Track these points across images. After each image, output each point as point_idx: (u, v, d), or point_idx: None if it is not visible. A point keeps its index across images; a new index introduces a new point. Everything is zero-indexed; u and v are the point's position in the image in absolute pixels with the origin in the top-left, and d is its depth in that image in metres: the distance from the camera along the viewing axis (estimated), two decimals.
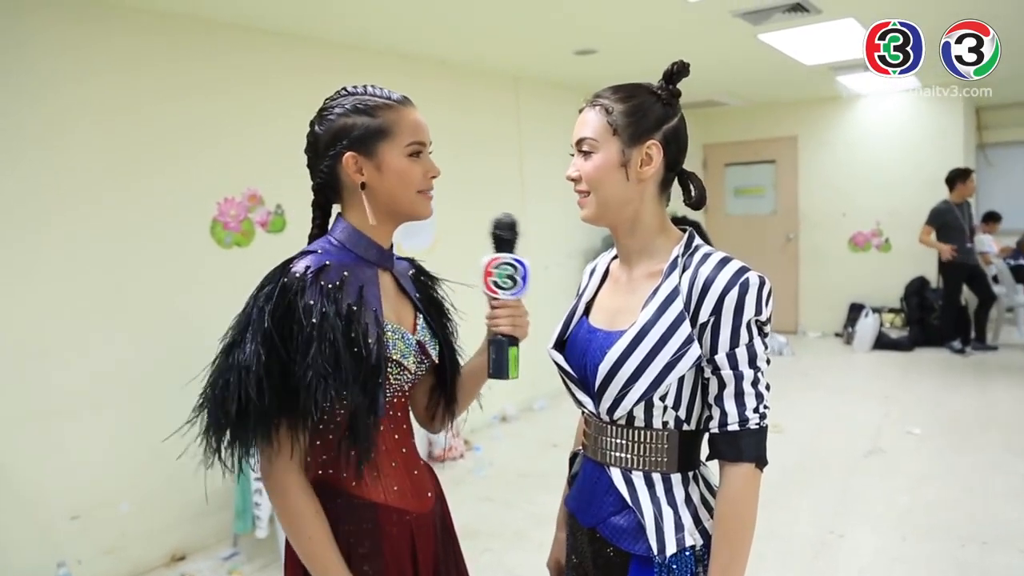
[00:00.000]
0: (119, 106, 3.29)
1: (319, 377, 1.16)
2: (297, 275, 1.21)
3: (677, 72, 1.32)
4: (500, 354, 1.35)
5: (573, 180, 1.33)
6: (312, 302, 1.19)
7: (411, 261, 1.55)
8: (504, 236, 1.37)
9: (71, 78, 3.14)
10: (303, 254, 1.29)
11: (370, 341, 1.23)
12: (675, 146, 1.32)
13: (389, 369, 1.30)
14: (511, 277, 1.35)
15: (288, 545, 1.35)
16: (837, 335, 7.97)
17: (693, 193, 1.39)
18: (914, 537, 3.39)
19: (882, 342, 7.31)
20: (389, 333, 1.31)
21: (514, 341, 1.36)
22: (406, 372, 1.35)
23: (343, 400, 1.19)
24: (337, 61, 4.29)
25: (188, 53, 3.56)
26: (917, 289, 7.45)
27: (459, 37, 4.50)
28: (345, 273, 1.27)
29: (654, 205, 1.34)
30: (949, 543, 3.31)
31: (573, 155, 1.34)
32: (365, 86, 1.34)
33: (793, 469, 4.18)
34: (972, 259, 6.86)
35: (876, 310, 7.54)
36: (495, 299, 1.35)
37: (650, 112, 1.29)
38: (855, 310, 7.68)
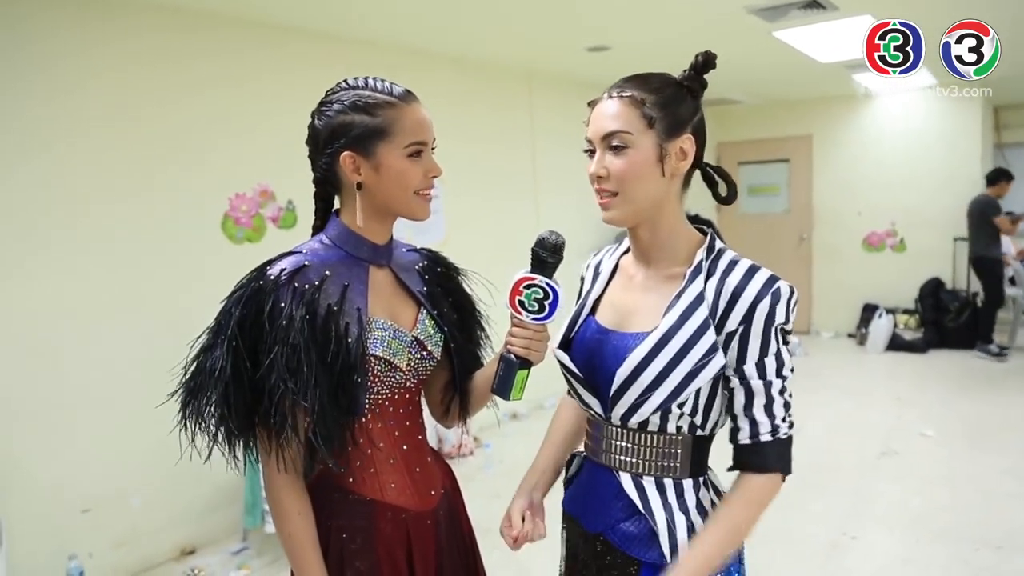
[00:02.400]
0: (130, 103, 3.29)
1: (280, 381, 1.15)
2: (271, 278, 1.21)
3: (705, 63, 1.25)
4: (507, 373, 1.27)
5: (600, 178, 1.24)
6: (282, 305, 1.19)
7: (425, 252, 1.51)
8: (544, 257, 1.26)
9: (81, 75, 3.15)
10: (285, 255, 1.27)
11: (349, 340, 1.22)
12: (702, 139, 1.27)
13: (377, 367, 1.28)
14: (539, 302, 1.25)
15: None
16: (850, 336, 7.90)
17: (723, 189, 1.34)
18: (927, 540, 3.35)
19: (896, 343, 7.24)
20: (378, 331, 1.28)
21: (526, 364, 1.28)
22: (398, 371, 1.31)
23: (306, 402, 1.17)
24: (349, 57, 4.28)
25: (198, 49, 3.56)
26: (932, 290, 7.37)
27: (471, 33, 4.48)
28: (327, 273, 1.25)
29: (677, 201, 1.28)
30: (963, 546, 3.27)
31: (591, 151, 1.26)
32: (367, 79, 1.30)
33: (806, 470, 4.13)
34: (1001, 253, 6.83)
35: (890, 311, 7.48)
36: (517, 319, 1.26)
37: (683, 104, 1.23)
38: (869, 311, 7.61)
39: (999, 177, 6.81)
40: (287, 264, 1.24)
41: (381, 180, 1.27)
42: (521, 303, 1.25)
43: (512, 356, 1.27)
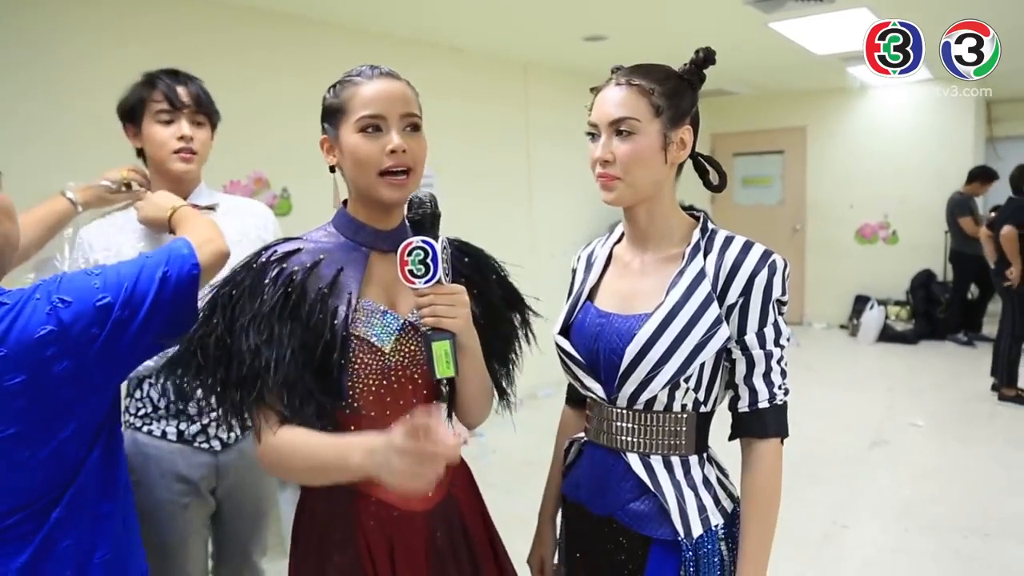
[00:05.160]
0: (123, 88, 3.27)
1: (249, 350, 1.16)
2: (262, 259, 1.24)
3: (705, 58, 1.31)
4: (427, 349, 1.18)
5: (605, 162, 1.27)
6: (266, 283, 1.21)
7: (449, 240, 1.39)
8: (413, 217, 1.19)
9: (77, 59, 3.13)
10: (285, 240, 1.30)
11: (335, 322, 1.22)
12: (697, 130, 1.33)
13: (359, 349, 1.24)
14: (423, 263, 1.16)
15: (294, 529, 1.34)
16: (842, 327, 7.94)
17: (714, 177, 1.39)
18: (917, 529, 3.39)
19: (887, 334, 7.29)
20: (363, 312, 1.26)
21: (442, 335, 1.17)
22: (381, 354, 1.26)
23: (279, 380, 1.17)
24: (342, 45, 4.25)
25: (191, 35, 3.54)
26: (923, 282, 7.42)
27: (466, 22, 4.47)
28: (321, 257, 1.26)
29: (671, 188, 1.34)
30: (952, 535, 3.31)
31: (592, 135, 1.30)
32: (358, 66, 1.29)
33: (798, 460, 4.16)
34: (981, 251, 6.84)
35: (882, 302, 7.52)
36: (411, 288, 1.18)
37: (686, 96, 1.29)
38: (861, 302, 7.65)
39: (976, 177, 6.81)
40: (282, 247, 1.27)
41: (344, 160, 1.27)
42: (412, 272, 1.17)
43: (426, 329, 1.19)
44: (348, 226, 1.31)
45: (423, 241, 1.16)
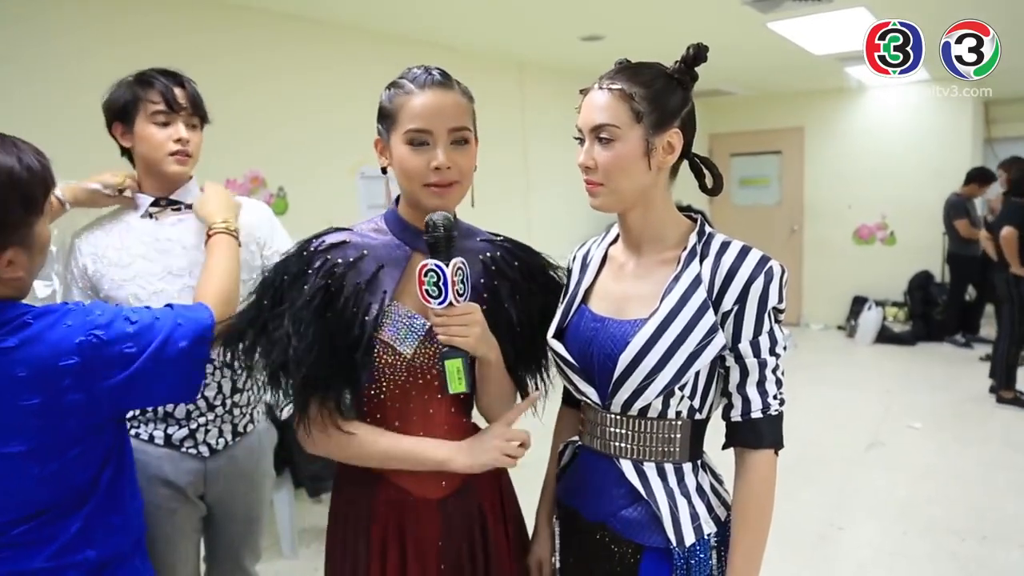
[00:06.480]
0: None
1: (284, 336, 1.22)
2: (311, 248, 1.29)
3: (695, 56, 1.26)
4: (441, 366, 1.24)
5: (587, 168, 1.26)
6: (309, 272, 1.26)
7: (503, 242, 1.46)
8: (428, 240, 1.23)
9: (69, 53, 3.11)
10: (335, 229, 1.34)
11: (367, 318, 1.26)
12: (690, 131, 1.28)
13: (383, 351, 1.29)
14: (436, 285, 1.21)
15: (331, 503, 1.43)
16: (840, 328, 7.93)
17: (709, 180, 1.35)
18: (914, 531, 3.38)
19: (884, 336, 7.28)
20: (393, 315, 1.30)
21: (455, 353, 1.23)
22: (403, 358, 1.30)
23: (302, 373, 1.23)
24: (339, 45, 4.22)
25: (191, 33, 3.52)
26: (921, 283, 7.40)
27: (463, 22, 4.45)
28: (364, 252, 1.30)
29: (665, 190, 1.30)
30: (949, 537, 3.30)
31: (580, 139, 1.28)
32: (413, 67, 1.31)
33: (794, 462, 4.15)
34: (978, 252, 6.84)
35: (879, 303, 7.51)
36: (429, 308, 1.23)
37: (672, 98, 1.24)
38: (858, 303, 7.64)
39: (974, 178, 6.76)
40: (330, 238, 1.31)
41: (394, 166, 1.30)
42: (428, 292, 1.22)
43: (443, 347, 1.25)
44: (396, 223, 1.36)
45: (435, 265, 1.20)
